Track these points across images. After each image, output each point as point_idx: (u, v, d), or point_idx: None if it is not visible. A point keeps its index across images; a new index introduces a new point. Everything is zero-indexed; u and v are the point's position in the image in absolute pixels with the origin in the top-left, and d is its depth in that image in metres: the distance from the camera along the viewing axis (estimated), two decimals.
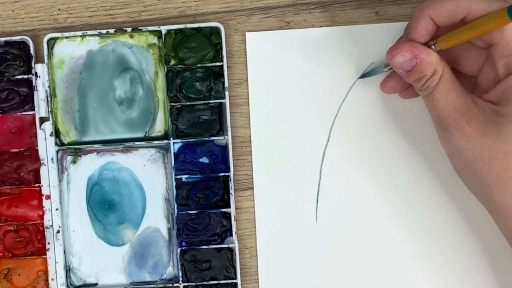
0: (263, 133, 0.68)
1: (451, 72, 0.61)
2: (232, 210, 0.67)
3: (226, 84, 0.67)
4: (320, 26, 0.68)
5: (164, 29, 0.67)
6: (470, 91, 0.63)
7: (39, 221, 0.68)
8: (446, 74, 0.61)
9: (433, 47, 0.61)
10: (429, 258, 0.68)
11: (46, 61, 0.67)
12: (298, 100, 0.68)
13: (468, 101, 0.60)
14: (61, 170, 0.68)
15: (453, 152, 0.62)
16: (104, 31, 0.67)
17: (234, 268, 0.68)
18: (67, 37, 0.68)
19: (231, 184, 0.67)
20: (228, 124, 0.67)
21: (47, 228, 0.68)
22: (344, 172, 0.68)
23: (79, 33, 0.67)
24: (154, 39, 0.68)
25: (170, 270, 0.69)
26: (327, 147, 0.68)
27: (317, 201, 0.68)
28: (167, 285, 0.68)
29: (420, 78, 0.61)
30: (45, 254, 0.68)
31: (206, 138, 0.68)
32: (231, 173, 0.67)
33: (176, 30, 0.67)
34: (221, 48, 0.67)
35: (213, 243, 0.68)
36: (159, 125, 0.68)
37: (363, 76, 0.68)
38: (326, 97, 0.68)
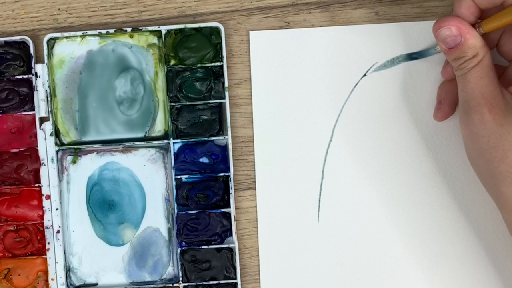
0: (265, 132, 0.68)
1: (491, 59, 0.61)
2: (232, 210, 0.67)
3: (226, 84, 0.67)
4: (320, 26, 0.68)
5: (164, 29, 0.67)
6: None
7: (39, 221, 0.68)
8: (485, 59, 0.61)
9: (477, 30, 0.61)
10: (431, 258, 0.68)
11: (46, 61, 0.67)
12: (301, 100, 0.68)
13: (496, 91, 0.61)
14: (61, 170, 0.68)
15: (469, 137, 0.62)
16: (104, 31, 0.67)
17: (234, 268, 0.68)
18: (67, 37, 0.68)
19: (231, 184, 0.67)
20: (228, 124, 0.67)
21: (47, 228, 0.68)
22: (346, 172, 0.68)
23: (79, 33, 0.67)
24: (154, 39, 0.68)
25: (170, 270, 0.69)
26: (330, 146, 0.68)
27: (319, 201, 0.68)
28: (167, 285, 0.68)
29: (459, 57, 0.61)
30: (45, 254, 0.68)
31: (206, 138, 0.68)
32: (231, 173, 0.67)
33: (176, 30, 0.67)
34: (221, 48, 0.67)
35: (213, 243, 0.68)
36: (159, 125, 0.68)
37: (413, 56, 0.67)
38: (329, 96, 0.68)
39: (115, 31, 0.67)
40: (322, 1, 0.68)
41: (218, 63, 0.67)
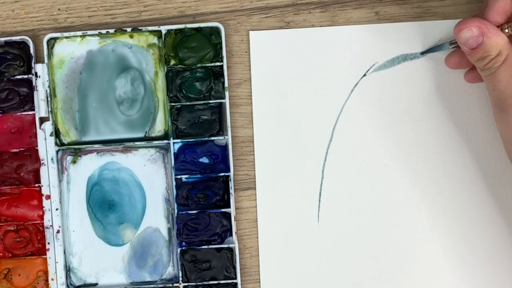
0: (265, 132, 0.68)
1: None
2: (232, 210, 0.67)
3: (226, 84, 0.67)
4: (320, 26, 0.68)
5: (164, 29, 0.67)
6: None
7: (39, 221, 0.68)
8: (511, 57, 0.60)
9: (506, 30, 0.61)
10: (432, 258, 0.68)
11: (46, 61, 0.67)
12: (301, 100, 0.68)
13: None
14: (61, 170, 0.68)
15: (507, 133, 0.62)
16: (104, 31, 0.67)
17: (234, 268, 0.68)
18: (67, 37, 0.68)
19: (231, 184, 0.67)
20: (228, 124, 0.67)
21: (47, 228, 0.68)
22: (346, 172, 0.68)
23: (79, 33, 0.67)
24: (154, 39, 0.68)
25: (170, 270, 0.69)
26: (330, 146, 0.68)
27: (319, 201, 0.68)
28: (167, 285, 0.68)
29: (483, 57, 0.61)
30: (45, 254, 0.68)
31: (206, 138, 0.68)
32: (231, 173, 0.67)
33: (176, 30, 0.67)
34: (221, 48, 0.67)
35: (213, 243, 0.68)
36: (159, 125, 0.68)
37: (427, 51, 0.67)
38: (329, 96, 0.68)
39: (115, 31, 0.67)
40: (322, 1, 0.68)
41: (218, 63, 0.67)
